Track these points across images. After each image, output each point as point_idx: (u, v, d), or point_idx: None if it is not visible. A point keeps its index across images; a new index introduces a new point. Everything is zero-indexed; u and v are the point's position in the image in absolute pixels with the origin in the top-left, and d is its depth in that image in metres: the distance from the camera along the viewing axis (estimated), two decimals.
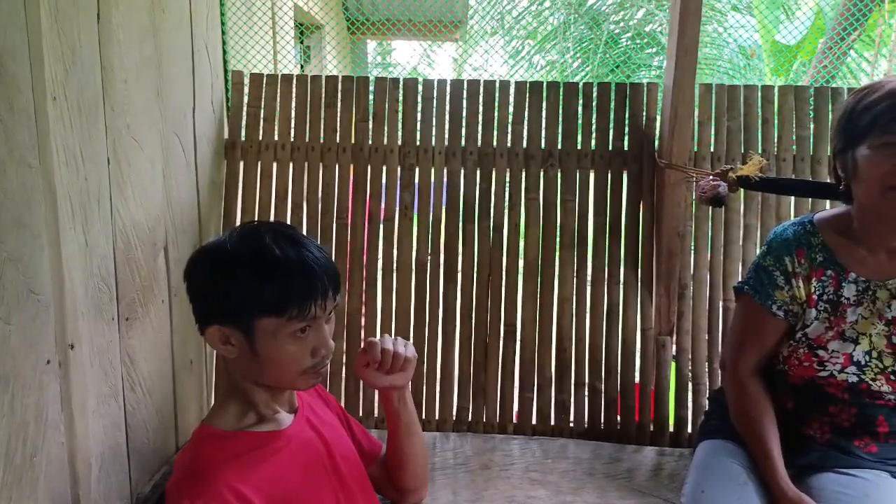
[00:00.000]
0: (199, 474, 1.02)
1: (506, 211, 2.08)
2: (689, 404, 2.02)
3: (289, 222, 2.07)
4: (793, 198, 2.02)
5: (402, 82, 2.11)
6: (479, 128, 2.09)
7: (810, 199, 2.00)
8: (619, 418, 2.02)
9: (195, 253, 1.10)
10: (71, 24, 1.26)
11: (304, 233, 2.04)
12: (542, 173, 2.07)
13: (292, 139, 2.11)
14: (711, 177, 1.74)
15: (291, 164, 2.10)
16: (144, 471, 1.58)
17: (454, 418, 2.06)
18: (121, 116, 1.46)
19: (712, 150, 2.05)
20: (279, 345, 1.05)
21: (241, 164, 2.10)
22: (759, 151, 2.02)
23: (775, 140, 2.05)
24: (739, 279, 1.71)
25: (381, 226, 2.09)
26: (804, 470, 1.42)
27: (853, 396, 1.39)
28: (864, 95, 1.32)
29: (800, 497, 1.33)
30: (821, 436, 1.44)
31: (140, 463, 1.56)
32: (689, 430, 2.00)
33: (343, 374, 2.07)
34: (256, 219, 2.07)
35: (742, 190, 1.85)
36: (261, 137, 2.10)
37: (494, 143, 2.09)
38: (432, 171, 2.09)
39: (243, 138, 2.11)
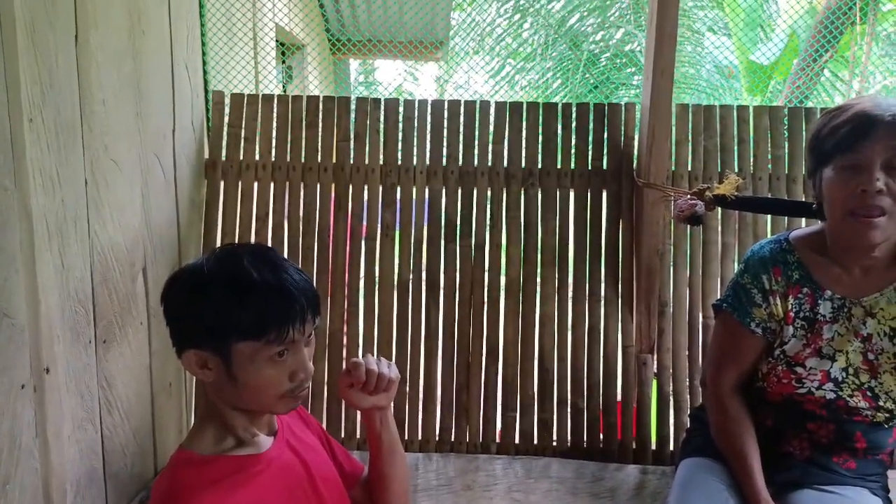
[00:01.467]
0: (176, 500, 1.00)
1: (487, 230, 2.08)
2: (671, 422, 2.02)
3: (270, 242, 2.06)
4: (769, 216, 2.05)
5: (383, 102, 2.13)
6: (461, 147, 2.10)
7: (786, 218, 2.02)
8: (601, 436, 2.03)
9: (172, 275, 1.09)
10: (48, 46, 1.26)
11: (286, 253, 2.05)
12: (522, 192, 2.09)
13: (273, 159, 2.11)
14: (689, 196, 1.76)
15: (272, 184, 2.09)
16: (122, 496, 1.56)
17: (437, 439, 2.05)
18: (99, 138, 1.45)
19: (689, 169, 2.08)
20: (257, 369, 1.03)
21: (222, 184, 2.10)
22: (736, 171, 2.05)
23: (751, 159, 2.08)
24: (718, 297, 1.73)
25: (363, 244, 2.09)
26: (784, 487, 1.43)
27: (831, 413, 1.40)
28: (832, 117, 1.34)
29: None
30: (800, 452, 1.45)
31: (117, 488, 1.53)
32: (672, 447, 2.01)
33: (325, 395, 2.05)
34: (237, 239, 2.06)
35: (719, 209, 1.88)
36: (241, 157, 2.10)
37: (475, 163, 2.10)
38: (414, 190, 2.10)
39: (224, 158, 2.11)
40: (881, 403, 1.37)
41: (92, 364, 1.43)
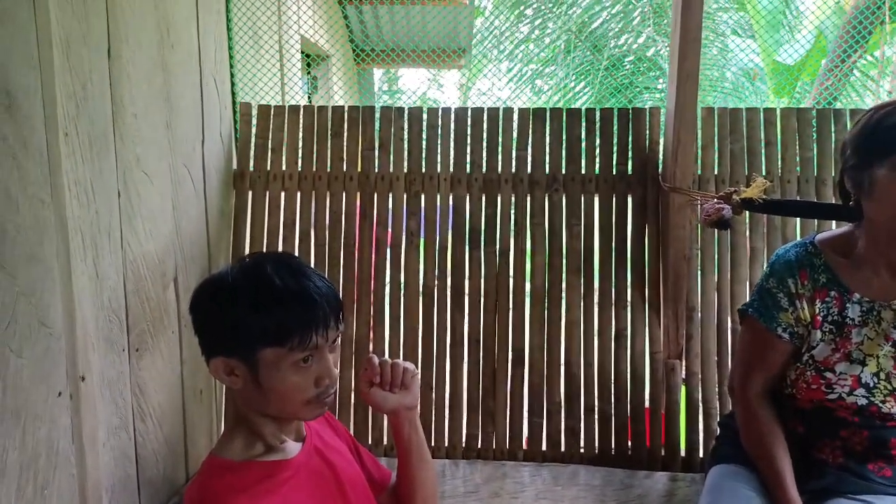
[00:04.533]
0: None
1: (512, 236, 2.09)
2: (701, 428, 2.00)
3: (297, 251, 2.09)
4: (798, 219, 2.02)
5: (406, 111, 2.14)
6: (484, 154, 2.11)
7: (816, 221, 1.99)
8: (629, 443, 2.01)
9: (199, 285, 1.12)
10: (82, 62, 1.30)
11: (313, 261, 2.08)
12: (546, 198, 2.09)
13: (300, 169, 2.14)
14: (715, 200, 1.74)
15: (299, 194, 2.12)
16: (155, 501, 1.58)
17: (464, 445, 2.05)
18: (131, 149, 1.49)
19: (716, 172, 2.06)
20: (282, 375, 1.05)
21: (250, 194, 2.13)
22: (763, 173, 2.02)
23: (779, 162, 2.05)
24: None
25: (388, 252, 2.10)
26: (817, 495, 1.40)
27: (864, 419, 1.37)
28: (888, 113, 1.29)
29: None
30: (833, 460, 1.42)
31: (150, 494, 1.56)
32: (701, 454, 1.98)
33: (352, 403, 2.07)
34: (265, 248, 2.09)
35: (747, 212, 1.86)
36: (269, 167, 2.13)
37: (499, 170, 2.11)
38: (438, 197, 2.11)
39: (251, 169, 2.14)
40: None
41: (125, 372, 1.46)
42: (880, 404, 1.35)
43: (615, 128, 2.10)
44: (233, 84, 2.21)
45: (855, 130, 1.37)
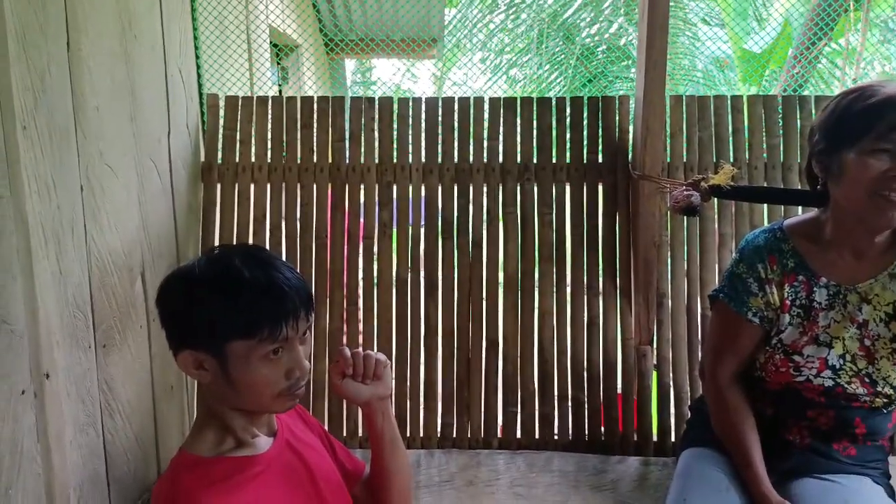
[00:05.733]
0: (177, 502, 1.01)
1: (484, 226, 2.09)
2: (672, 413, 2.03)
3: (267, 244, 2.07)
4: (766, 205, 2.05)
5: (377, 101, 2.13)
6: (456, 144, 2.10)
7: (783, 206, 2.02)
8: (602, 429, 2.03)
9: (165, 278, 1.10)
10: (39, 53, 1.26)
11: (284, 254, 2.06)
12: (518, 187, 2.09)
13: (269, 160, 2.11)
14: (684, 187, 1.76)
15: (269, 186, 2.10)
16: (125, 499, 1.56)
17: (439, 435, 2.05)
18: (93, 143, 1.46)
19: (685, 160, 2.08)
20: (252, 368, 1.04)
21: (218, 186, 2.10)
22: (731, 160, 2.05)
23: (746, 149, 2.08)
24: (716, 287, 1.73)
25: (361, 244, 2.09)
26: (785, 475, 1.43)
27: (830, 400, 1.40)
28: (856, 98, 1.30)
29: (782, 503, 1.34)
30: (800, 440, 1.45)
31: (121, 491, 1.54)
32: (673, 438, 2.01)
33: (326, 395, 2.06)
34: (235, 241, 2.07)
35: (715, 199, 1.88)
36: (237, 159, 2.11)
37: (471, 159, 2.10)
38: (410, 188, 2.10)
39: (220, 161, 2.11)
40: (879, 389, 1.37)
41: (92, 369, 1.43)
42: (846, 385, 1.38)
43: (585, 117, 2.11)
44: (199, 75, 2.17)
45: (823, 115, 1.38)
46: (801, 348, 1.41)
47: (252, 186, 2.10)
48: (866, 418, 1.41)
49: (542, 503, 1.63)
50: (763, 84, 4.86)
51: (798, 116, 2.08)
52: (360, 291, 2.12)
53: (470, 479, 1.76)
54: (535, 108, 2.11)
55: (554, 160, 2.10)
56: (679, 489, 1.44)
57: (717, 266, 2.05)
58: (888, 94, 1.27)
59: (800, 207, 1.84)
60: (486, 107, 2.12)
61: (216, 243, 2.08)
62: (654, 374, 2.05)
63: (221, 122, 2.14)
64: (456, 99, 2.13)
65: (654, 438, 2.03)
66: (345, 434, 2.04)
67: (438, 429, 2.06)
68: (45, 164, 1.27)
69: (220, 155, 2.12)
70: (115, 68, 1.57)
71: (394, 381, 1.94)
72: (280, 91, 3.73)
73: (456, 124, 2.11)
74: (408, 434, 2.03)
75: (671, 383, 2.03)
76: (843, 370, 1.39)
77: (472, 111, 2.12)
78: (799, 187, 2.01)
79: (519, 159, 2.10)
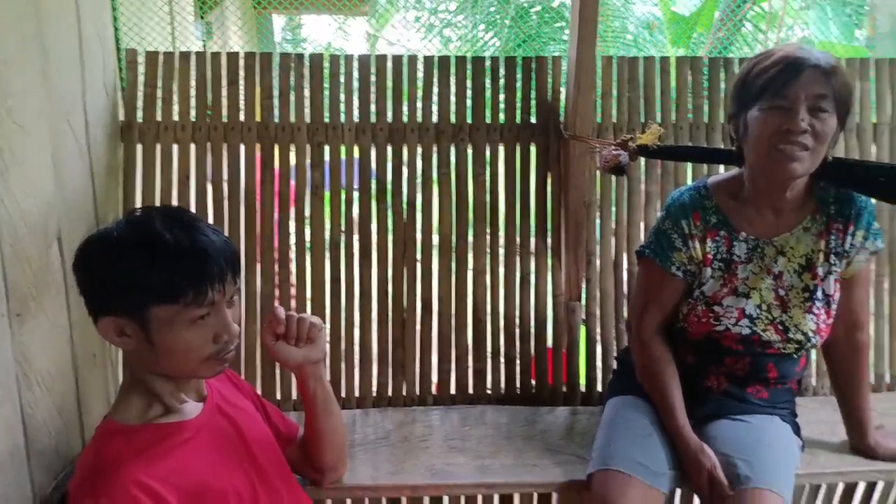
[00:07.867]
0: (102, 471, 0.99)
1: (418, 187, 2.08)
2: (599, 365, 2.10)
3: (193, 207, 2.00)
4: (690, 164, 2.11)
5: (307, 58, 2.06)
6: (389, 103, 2.07)
7: (706, 165, 2.09)
8: (533, 382, 2.09)
9: (83, 242, 1.05)
10: None
11: (211, 217, 2.00)
12: (452, 148, 2.08)
13: (193, 119, 2.03)
14: (613, 147, 1.80)
15: (193, 146, 2.02)
16: (48, 472, 1.51)
17: (374, 395, 2.07)
18: (1, 101, 1.36)
19: (615, 120, 2.11)
20: (177, 333, 1.02)
21: (139, 146, 2.01)
22: (658, 121, 2.09)
23: (673, 110, 2.13)
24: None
25: (292, 206, 2.05)
26: (703, 419, 1.52)
27: (746, 347, 1.49)
28: (756, 62, 1.39)
29: (700, 446, 1.42)
30: (718, 386, 1.54)
31: (43, 465, 1.48)
32: (599, 389, 2.09)
33: (258, 359, 2.03)
34: (158, 204, 1.99)
35: (642, 158, 1.93)
36: (159, 118, 2.01)
37: (405, 119, 2.08)
38: (342, 148, 2.06)
39: (140, 120, 2.01)
40: (791, 335, 1.47)
41: (6, 339, 1.36)
42: (762, 333, 1.47)
43: (519, 77, 2.11)
44: (116, 30, 2.05)
45: (733, 81, 1.48)
46: (721, 299, 1.49)
47: (175, 146, 2.01)
48: (778, 363, 1.50)
49: (475, 455, 1.66)
50: (691, 46, 4.97)
51: (723, 78, 2.14)
52: (293, 255, 2.08)
53: (405, 435, 1.79)
54: (469, 68, 2.09)
55: (488, 121, 2.10)
56: (605, 435, 1.51)
57: (642, 224, 2.11)
58: (782, 55, 1.36)
59: (722, 166, 1.90)
60: (420, 66, 2.09)
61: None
62: (583, 328, 2.11)
63: (141, 78, 2.03)
64: (389, 57, 2.09)
65: (582, 389, 2.10)
66: (279, 398, 2.03)
67: (374, 389, 2.07)
68: None
69: (140, 113, 2.01)
70: (22, 22, 1.46)
71: (328, 343, 1.93)
72: (205, 47, 3.57)
73: (389, 83, 2.07)
74: (343, 395, 2.04)
75: (598, 337, 2.10)
76: (759, 319, 1.47)
77: (405, 70, 2.08)
78: (722, 146, 2.08)
79: (453, 120, 2.09)
